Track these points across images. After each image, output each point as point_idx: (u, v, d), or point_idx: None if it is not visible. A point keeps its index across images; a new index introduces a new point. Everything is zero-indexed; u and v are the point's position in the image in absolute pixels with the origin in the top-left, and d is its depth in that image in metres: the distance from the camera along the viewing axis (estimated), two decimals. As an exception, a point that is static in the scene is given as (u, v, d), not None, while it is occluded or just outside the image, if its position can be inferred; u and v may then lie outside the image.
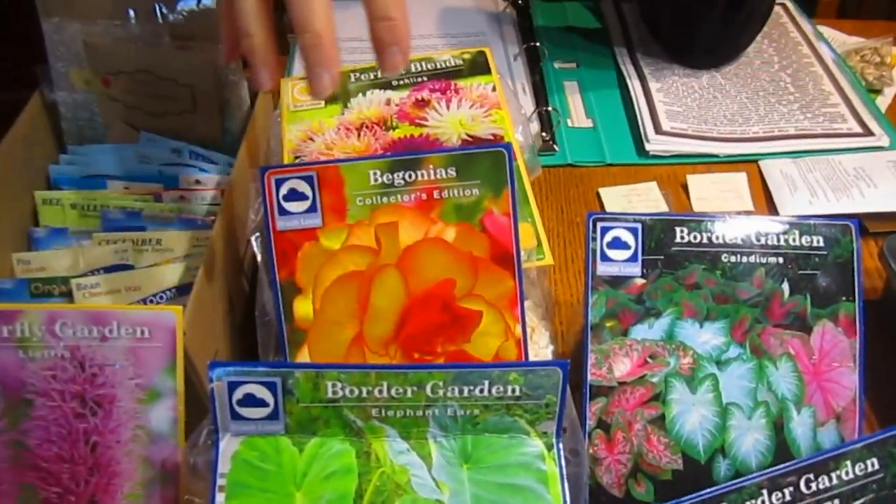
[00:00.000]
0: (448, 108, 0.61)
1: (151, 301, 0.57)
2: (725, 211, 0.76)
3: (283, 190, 0.50)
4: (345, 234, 0.50)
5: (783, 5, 1.02)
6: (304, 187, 0.50)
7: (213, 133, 0.63)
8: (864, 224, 0.73)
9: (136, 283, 0.57)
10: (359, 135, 0.60)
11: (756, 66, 0.91)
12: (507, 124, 0.58)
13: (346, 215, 0.50)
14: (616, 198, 0.77)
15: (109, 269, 0.59)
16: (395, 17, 0.42)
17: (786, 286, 0.52)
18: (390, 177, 0.49)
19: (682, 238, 0.52)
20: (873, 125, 0.82)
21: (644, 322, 0.52)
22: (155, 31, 0.60)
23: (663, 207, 0.76)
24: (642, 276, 0.52)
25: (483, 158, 0.49)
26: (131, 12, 0.62)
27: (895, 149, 0.80)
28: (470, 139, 0.59)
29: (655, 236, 0.52)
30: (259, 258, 0.51)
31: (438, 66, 0.64)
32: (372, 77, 0.64)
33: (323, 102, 0.62)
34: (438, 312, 0.50)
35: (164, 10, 0.62)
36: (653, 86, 0.87)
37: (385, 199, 0.49)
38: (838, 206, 0.74)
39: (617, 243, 0.52)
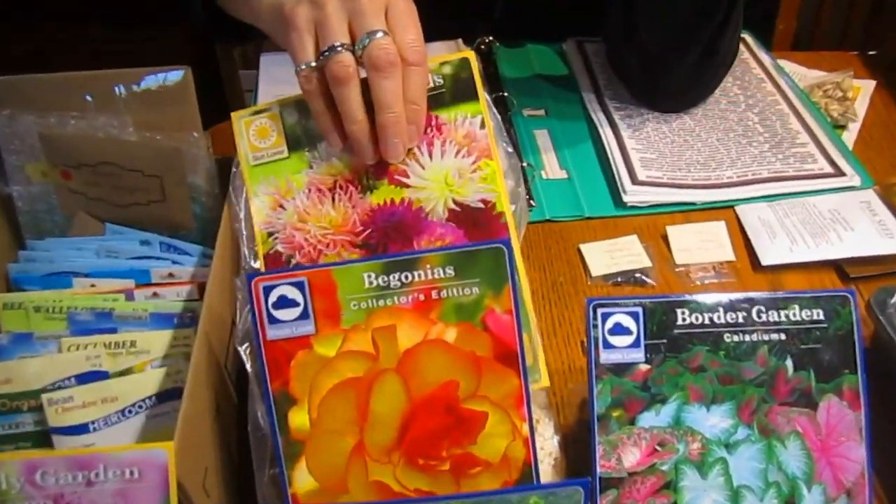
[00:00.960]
0: (431, 157, 0.55)
1: (131, 412, 0.54)
2: (707, 262, 0.76)
3: (273, 298, 0.47)
4: (340, 341, 0.47)
5: (742, 39, 1.03)
6: (294, 294, 0.47)
7: (184, 221, 0.60)
8: (845, 269, 0.74)
9: (113, 393, 0.54)
10: (333, 200, 0.55)
11: (723, 107, 0.92)
12: (499, 182, 0.54)
13: (340, 320, 0.47)
14: (598, 254, 0.76)
15: (82, 378, 0.56)
16: (420, 105, 0.54)
17: (789, 363, 0.51)
18: (386, 279, 0.47)
19: (684, 320, 0.51)
20: (843, 164, 0.83)
21: (651, 409, 0.50)
22: (118, 122, 0.57)
23: (646, 262, 0.75)
24: (646, 362, 0.51)
25: (482, 256, 0.47)
26: (89, 98, 0.58)
27: (866, 187, 0.81)
28: (458, 209, 0.55)
29: (657, 320, 0.51)
30: (249, 369, 0.48)
31: None
32: None
33: (286, 151, 0.56)
34: (442, 415, 0.48)
35: (124, 91, 0.59)
36: (624, 133, 0.87)
37: (381, 302, 0.47)
38: (818, 252, 0.74)
39: (618, 329, 0.51)
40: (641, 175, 0.82)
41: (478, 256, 0.47)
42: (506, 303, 0.47)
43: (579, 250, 0.77)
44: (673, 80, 0.86)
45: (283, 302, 0.47)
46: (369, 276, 0.47)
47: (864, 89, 0.96)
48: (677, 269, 0.76)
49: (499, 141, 0.56)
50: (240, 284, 0.48)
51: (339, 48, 0.51)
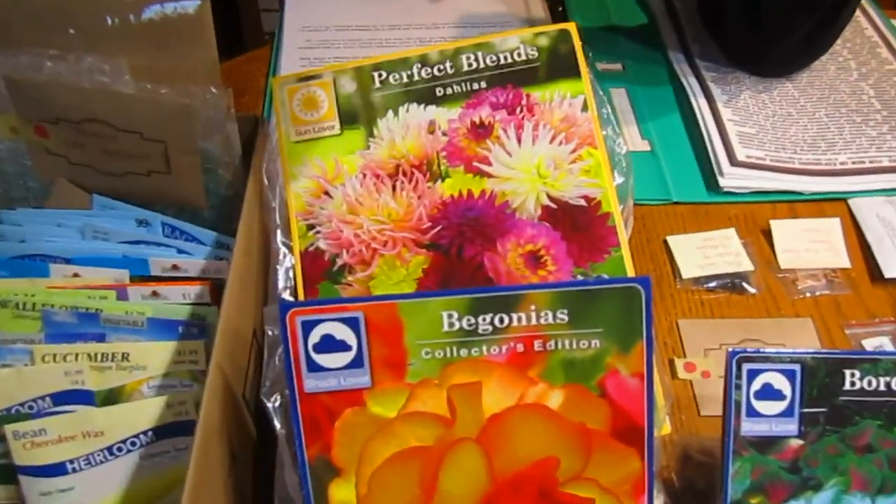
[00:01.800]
0: (519, 142, 0.44)
1: (120, 450, 0.42)
2: (817, 268, 0.63)
3: (315, 337, 0.34)
4: (404, 398, 0.35)
5: (849, -8, 0.87)
6: (345, 333, 0.34)
7: (194, 198, 0.47)
8: None
9: (98, 425, 0.42)
10: (394, 188, 0.44)
11: (832, 74, 0.77)
12: (605, 175, 0.44)
13: (405, 372, 0.35)
14: (689, 250, 0.63)
15: (59, 399, 0.44)
16: None
17: (982, 445, 0.39)
18: (473, 321, 0.34)
19: (853, 384, 0.39)
20: (981, 154, 0.70)
21: (800, 497, 0.39)
22: (110, 66, 0.43)
23: (746, 264, 0.62)
24: (799, 436, 0.39)
25: (608, 298, 0.34)
26: (72, 31, 0.44)
27: None
28: (553, 205, 0.43)
29: (818, 382, 0.38)
30: (279, 429, 0.36)
31: (503, 62, 0.46)
32: (405, 79, 0.46)
33: (338, 127, 0.45)
34: (534, 501, 0.36)
35: (119, 24, 0.44)
36: (719, 102, 0.73)
37: (464, 352, 0.35)
38: (955, 265, 0.62)
39: (768, 392, 0.38)
40: (740, 155, 0.68)
41: (602, 297, 0.34)
42: (636, 364, 0.35)
43: (666, 243, 0.64)
44: (780, 47, 0.72)
45: (330, 344, 0.34)
46: (450, 317, 0.34)
47: None
48: (780, 275, 0.63)
49: (606, 127, 0.44)
50: (270, 315, 0.35)
51: None
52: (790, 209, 0.67)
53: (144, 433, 0.42)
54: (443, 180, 0.44)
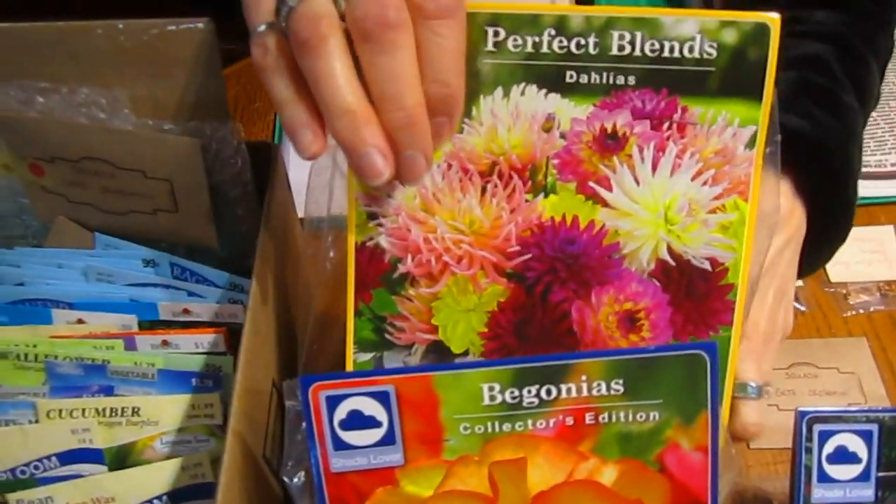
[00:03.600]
0: (655, 169, 0.35)
1: (132, 517, 0.39)
2: (870, 280, 0.59)
3: (341, 413, 0.31)
4: (441, 476, 0.32)
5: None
6: (374, 408, 0.31)
7: (204, 238, 0.43)
8: None
9: (109, 491, 0.39)
10: (484, 191, 0.35)
11: (880, 63, 0.72)
12: (745, 237, 0.35)
13: (442, 448, 0.31)
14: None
15: (66, 458, 0.41)
16: (453, 85, 0.31)
17: None
18: (517, 394, 0.31)
19: (937, 444, 0.35)
20: None
21: (877, 569, 0.35)
22: (108, 98, 0.39)
23: (794, 279, 0.58)
24: (877, 503, 0.35)
25: (670, 366, 0.30)
26: (62, 58, 0.40)
27: None
28: (672, 261, 0.35)
29: (897, 442, 0.35)
30: (303, 510, 0.33)
31: (667, 54, 0.33)
32: (530, 47, 0.34)
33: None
34: (585, 584, 0.33)
35: (116, 52, 0.40)
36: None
37: (507, 427, 0.31)
38: None
39: (842, 455, 0.35)
40: (784, 157, 0.64)
41: (662, 366, 0.30)
42: (700, 436, 0.31)
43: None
44: None
45: (358, 420, 0.31)
46: (491, 389, 0.31)
47: None
48: (830, 290, 0.59)
49: (768, 171, 0.36)
50: (288, 390, 0.32)
51: None
52: (839, 216, 0.63)
53: (159, 498, 0.39)
54: (546, 195, 0.35)
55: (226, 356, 0.42)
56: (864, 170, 0.64)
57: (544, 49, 0.33)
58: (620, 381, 0.31)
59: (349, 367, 0.37)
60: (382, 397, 0.31)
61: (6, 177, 0.43)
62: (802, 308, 0.58)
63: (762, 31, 0.33)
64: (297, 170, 0.47)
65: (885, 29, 0.58)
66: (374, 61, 0.30)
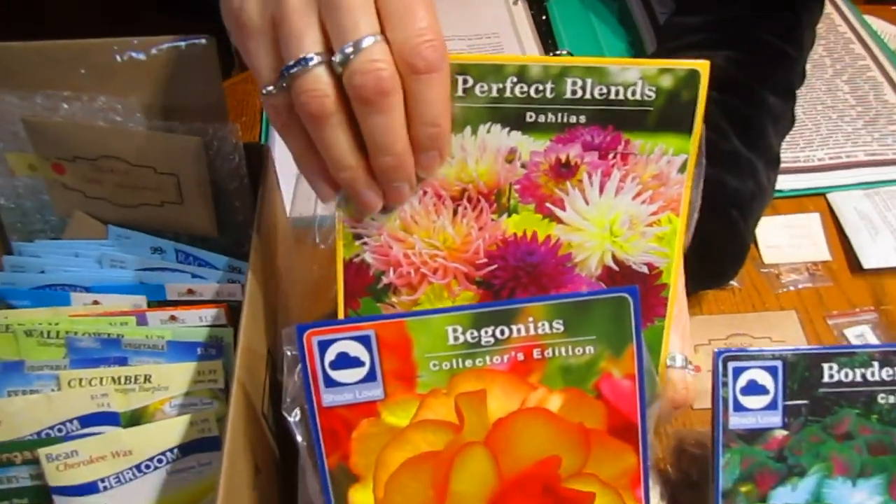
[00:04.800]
0: (601, 192, 0.41)
1: (148, 467, 0.44)
2: (799, 261, 0.66)
3: (331, 355, 0.37)
4: (415, 408, 0.38)
5: (823, -11, 0.90)
6: (358, 350, 0.37)
7: (205, 227, 0.49)
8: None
9: (126, 445, 0.44)
10: (455, 213, 0.41)
11: (808, 71, 0.80)
12: (676, 246, 0.42)
13: (416, 384, 0.38)
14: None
15: (87, 421, 0.46)
16: (442, 125, 0.37)
17: (953, 428, 0.42)
18: (476, 334, 0.37)
19: (832, 377, 0.41)
20: (951, 146, 0.73)
21: (787, 484, 0.42)
22: (122, 105, 0.45)
23: (731, 262, 0.65)
24: (784, 427, 0.42)
25: (600, 307, 0.37)
26: (83, 71, 0.46)
27: (977, 175, 0.71)
28: (615, 267, 0.42)
29: (799, 376, 0.41)
30: (300, 441, 0.38)
31: (612, 97, 0.39)
32: (495, 93, 0.39)
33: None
34: (539, 497, 0.39)
35: (129, 65, 0.47)
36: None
37: (469, 363, 0.37)
38: (929, 254, 0.65)
39: (753, 387, 0.41)
40: (723, 156, 0.71)
41: (594, 308, 0.37)
42: (627, 366, 0.37)
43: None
44: None
45: (345, 361, 0.37)
46: (455, 331, 0.37)
47: (962, 53, 0.85)
48: (764, 270, 0.66)
49: (695, 192, 0.42)
50: (288, 336, 0.38)
51: (309, 62, 0.35)
52: (771, 206, 0.70)
53: (170, 450, 0.44)
54: (509, 215, 0.41)
55: (227, 328, 0.48)
56: (793, 164, 0.72)
57: (507, 94, 0.39)
58: (561, 321, 0.37)
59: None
60: (365, 340, 0.37)
61: (31, 176, 0.49)
62: (737, 284, 0.64)
63: (693, 76, 0.39)
64: (283, 167, 0.53)
65: (785, 62, 0.65)
66: (370, 121, 0.35)
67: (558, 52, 0.78)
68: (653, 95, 0.39)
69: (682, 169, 0.40)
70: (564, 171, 0.40)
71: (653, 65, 0.39)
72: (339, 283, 0.42)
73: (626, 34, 0.83)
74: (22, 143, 0.47)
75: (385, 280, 0.42)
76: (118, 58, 0.46)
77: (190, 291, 0.49)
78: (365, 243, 0.41)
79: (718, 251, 0.56)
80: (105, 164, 0.46)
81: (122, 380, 0.47)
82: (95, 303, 0.49)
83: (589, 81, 0.39)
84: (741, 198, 0.56)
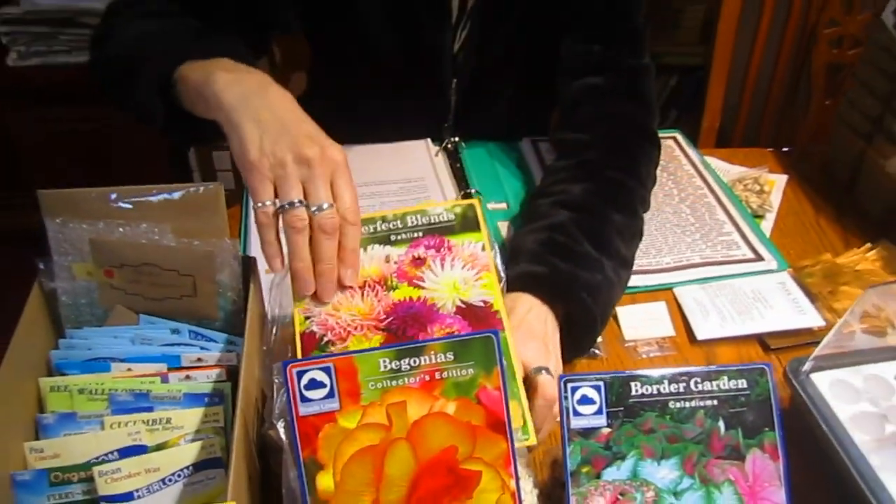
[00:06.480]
0: (442, 267, 0.69)
1: (171, 480, 0.62)
2: (651, 337, 0.89)
3: (304, 380, 0.57)
4: (360, 415, 0.57)
5: (674, 138, 1.19)
6: (322, 377, 0.57)
7: (211, 313, 0.70)
8: (766, 341, 0.88)
9: (155, 464, 0.62)
10: (362, 295, 0.68)
11: (660, 200, 1.06)
12: (495, 288, 0.68)
13: (360, 398, 0.57)
14: (560, 331, 0.88)
15: (124, 452, 0.64)
16: (356, 251, 0.68)
17: (721, 423, 0.63)
18: (398, 363, 0.58)
19: (637, 391, 0.63)
20: (762, 250, 0.98)
21: (613, 465, 0.62)
22: (159, 229, 0.67)
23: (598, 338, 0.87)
24: (608, 426, 0.62)
25: (476, 344, 0.58)
26: (129, 206, 0.68)
27: (782, 270, 0.96)
28: (463, 305, 0.67)
29: (616, 391, 0.62)
30: (285, 441, 0.57)
31: (433, 221, 0.71)
32: (371, 230, 0.71)
33: None
34: (444, 476, 0.58)
35: (162, 203, 0.69)
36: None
37: (394, 383, 0.58)
38: (744, 327, 0.88)
39: (585, 400, 0.62)
40: (594, 261, 0.95)
41: (472, 344, 0.58)
42: (495, 381, 0.58)
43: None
44: None
45: (313, 384, 0.57)
46: (384, 361, 0.58)
47: (777, 183, 1.12)
48: (626, 345, 0.88)
49: (497, 258, 0.71)
50: (276, 370, 0.58)
51: (297, 204, 0.64)
52: (632, 299, 0.92)
53: (187, 468, 0.62)
54: (394, 291, 0.68)
55: (226, 383, 0.67)
56: (648, 267, 0.96)
57: (378, 229, 0.71)
58: (452, 353, 0.58)
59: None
60: (327, 370, 0.57)
61: (87, 280, 0.69)
62: (604, 355, 0.86)
63: (472, 206, 0.72)
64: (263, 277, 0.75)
65: (626, 190, 0.91)
66: (322, 242, 0.65)
67: (469, 191, 1.03)
68: (453, 217, 0.72)
69: (483, 249, 0.70)
70: (419, 261, 0.70)
71: (450, 203, 0.73)
72: (298, 348, 0.65)
73: (521, 175, 1.08)
74: (85, 256, 0.68)
75: (326, 339, 0.66)
76: (156, 198, 0.68)
77: (199, 359, 0.69)
78: (311, 320, 0.67)
79: (576, 326, 0.79)
80: (144, 269, 0.67)
81: (150, 422, 0.65)
82: (129, 370, 0.68)
83: (419, 215, 0.72)
84: (590, 285, 0.79)
